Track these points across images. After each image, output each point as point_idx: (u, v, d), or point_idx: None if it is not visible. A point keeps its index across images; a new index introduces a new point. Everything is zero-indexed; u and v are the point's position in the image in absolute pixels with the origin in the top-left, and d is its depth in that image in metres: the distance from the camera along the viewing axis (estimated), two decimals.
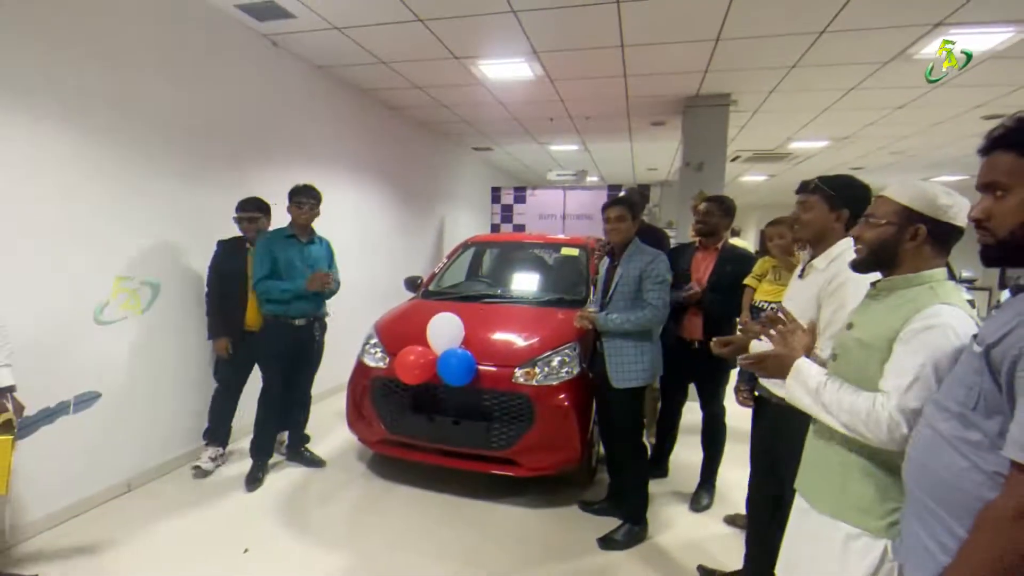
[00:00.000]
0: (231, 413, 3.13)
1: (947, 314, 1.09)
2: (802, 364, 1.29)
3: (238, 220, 3.07)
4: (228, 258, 3.02)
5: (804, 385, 1.26)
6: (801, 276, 1.84)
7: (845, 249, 1.64)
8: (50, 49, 2.35)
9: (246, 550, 2.37)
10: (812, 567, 1.29)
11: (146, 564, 2.25)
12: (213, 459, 3.08)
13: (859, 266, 1.29)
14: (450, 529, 2.59)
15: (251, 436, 3.05)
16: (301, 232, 3.04)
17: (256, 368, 3.10)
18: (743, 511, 2.55)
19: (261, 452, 3.05)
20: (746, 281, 2.65)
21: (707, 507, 2.83)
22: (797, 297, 1.81)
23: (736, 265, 2.73)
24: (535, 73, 4.27)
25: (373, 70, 4.30)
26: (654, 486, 2.79)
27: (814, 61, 3.82)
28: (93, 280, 2.54)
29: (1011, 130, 0.88)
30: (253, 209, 3.08)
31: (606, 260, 2.63)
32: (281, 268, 2.94)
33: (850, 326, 1.31)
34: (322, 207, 3.10)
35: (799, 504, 1.43)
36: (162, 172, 2.91)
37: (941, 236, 1.19)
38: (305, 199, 2.99)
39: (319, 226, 3.17)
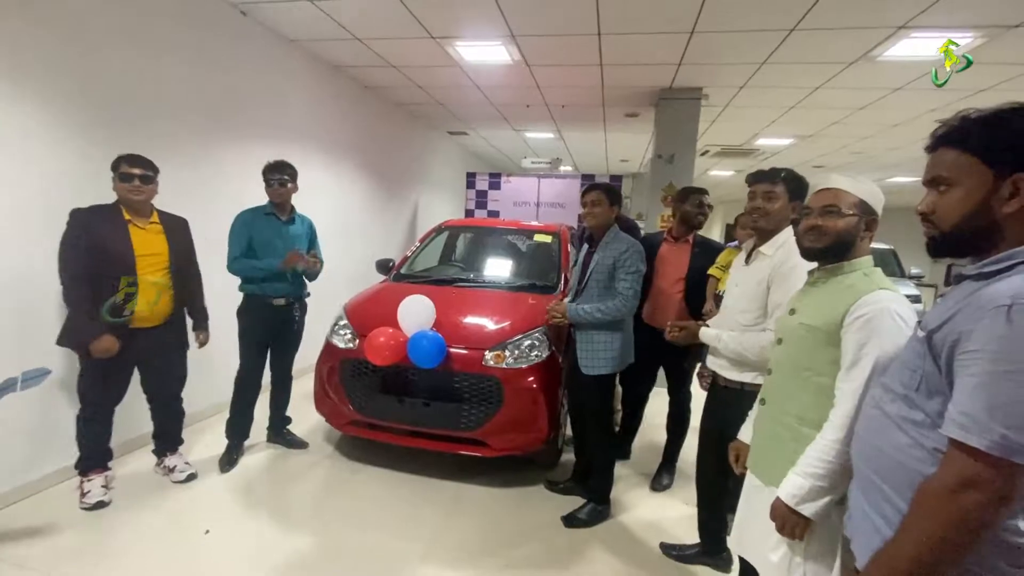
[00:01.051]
0: (107, 434, 2.54)
1: (887, 298, 1.19)
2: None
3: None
4: (104, 233, 2.33)
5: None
6: (747, 263, 1.96)
7: (789, 237, 1.80)
8: (10, 16, 2.21)
9: (207, 531, 2.33)
10: (764, 540, 1.36)
11: (101, 547, 2.19)
12: (105, 486, 2.51)
13: (819, 254, 1.33)
14: (418, 509, 2.61)
15: (226, 416, 2.98)
16: (280, 210, 2.94)
17: (135, 380, 2.59)
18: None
19: (237, 434, 2.98)
20: (710, 271, 2.72)
21: (667, 487, 2.93)
22: (745, 282, 1.93)
23: (714, 257, 2.77)
24: (512, 57, 4.25)
25: (347, 46, 4.19)
26: (616, 468, 2.88)
27: (783, 59, 3.92)
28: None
29: (954, 128, 0.92)
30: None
31: (585, 246, 2.66)
32: (258, 247, 2.85)
33: (792, 312, 1.40)
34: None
35: (750, 482, 1.50)
36: (126, 143, 2.76)
37: (876, 228, 1.32)
38: (276, 176, 2.87)
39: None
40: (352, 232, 5.36)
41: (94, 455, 2.52)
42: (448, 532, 2.44)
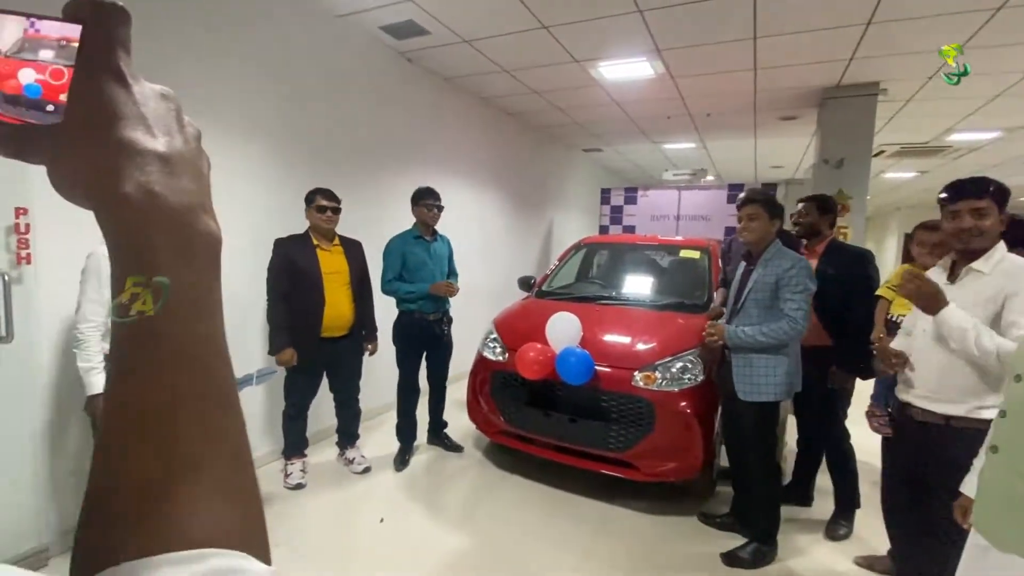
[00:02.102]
0: (304, 427, 3.00)
1: None
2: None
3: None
4: (299, 257, 2.77)
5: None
6: (952, 281, 1.72)
7: (1005, 250, 1.64)
8: (232, 75, 2.79)
9: (382, 520, 2.62)
10: None
11: (299, 520, 2.58)
12: (303, 470, 2.96)
13: None
14: (567, 523, 2.64)
15: (395, 422, 3.33)
16: (426, 232, 3.26)
17: (324, 381, 3.02)
18: (879, 552, 2.32)
19: (406, 437, 3.31)
20: (879, 292, 2.35)
21: (844, 537, 2.56)
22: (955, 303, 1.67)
23: (841, 266, 2.46)
24: (656, 71, 4.19)
25: (495, 78, 4.50)
26: (794, 512, 2.65)
27: (986, 42, 3.31)
28: None
29: None
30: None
31: (742, 263, 2.51)
32: (411, 267, 3.16)
33: None
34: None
35: (975, 541, 1.29)
36: (315, 177, 3.25)
37: None
38: (434, 201, 3.19)
39: (440, 225, 3.38)
40: (492, 250, 5.67)
41: (295, 444, 2.99)
42: (598, 551, 2.43)
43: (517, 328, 3.21)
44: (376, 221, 3.83)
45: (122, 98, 0.28)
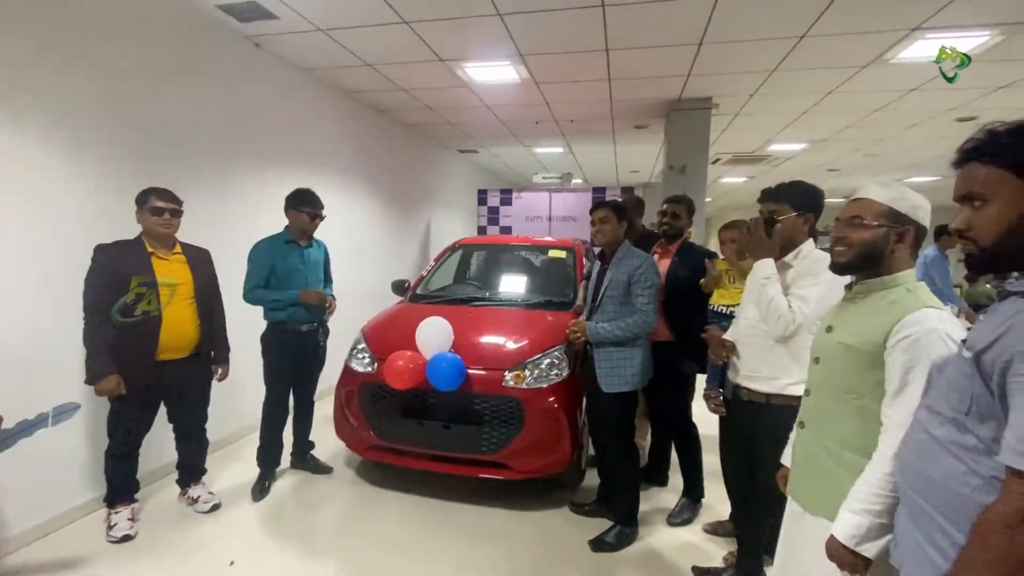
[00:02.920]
0: (134, 467, 2.57)
1: (934, 318, 1.12)
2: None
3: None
4: (128, 266, 2.33)
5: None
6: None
7: (812, 248, 1.85)
8: (34, 53, 2.29)
9: (232, 563, 2.32)
10: (807, 570, 1.30)
11: None
12: (131, 519, 2.51)
13: (843, 268, 1.29)
14: (442, 534, 2.57)
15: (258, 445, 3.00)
16: (300, 236, 2.97)
17: (161, 411, 2.62)
18: (724, 518, 2.58)
19: (270, 462, 2.99)
20: (701, 283, 2.58)
21: (684, 523, 2.70)
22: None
23: (691, 266, 2.66)
24: (520, 76, 4.28)
25: (358, 72, 4.27)
26: (652, 492, 2.80)
27: (794, 65, 3.89)
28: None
29: (982, 142, 0.90)
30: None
31: (596, 263, 2.63)
32: (281, 274, 2.87)
33: (829, 329, 1.33)
34: None
35: (791, 508, 1.44)
36: (148, 175, 2.82)
37: (917, 238, 1.25)
38: (314, 209, 2.94)
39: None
40: (366, 254, 5.40)
41: (121, 488, 2.53)
42: (473, 558, 2.39)
43: (387, 336, 3.07)
44: (226, 225, 3.41)
45: None
